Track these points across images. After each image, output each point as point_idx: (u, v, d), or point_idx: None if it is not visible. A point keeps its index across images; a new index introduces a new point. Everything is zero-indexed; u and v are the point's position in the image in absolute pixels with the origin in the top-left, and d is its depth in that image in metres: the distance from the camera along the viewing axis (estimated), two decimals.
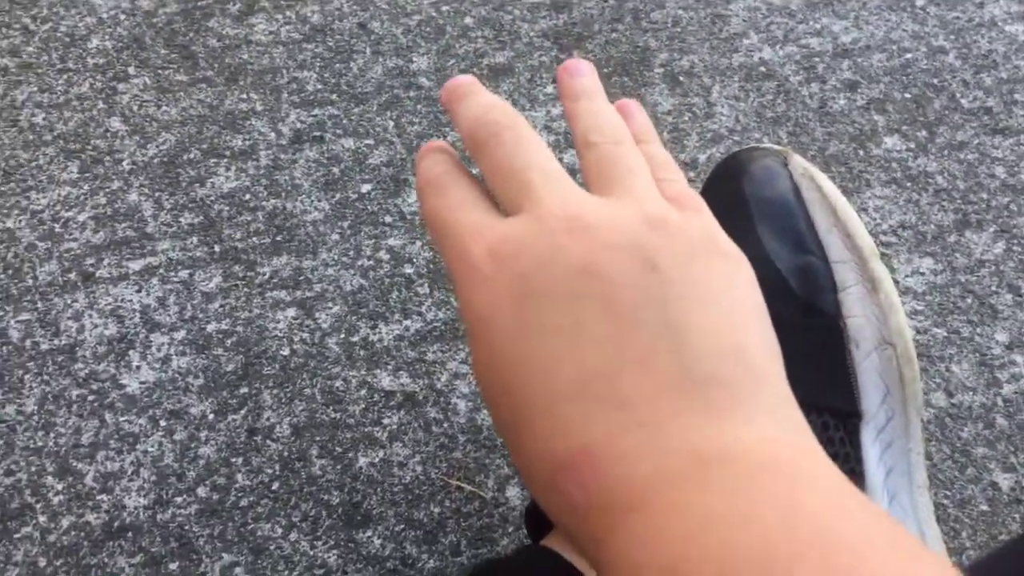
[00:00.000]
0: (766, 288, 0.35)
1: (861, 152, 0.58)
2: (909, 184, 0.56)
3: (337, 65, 0.60)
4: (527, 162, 0.25)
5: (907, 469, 0.34)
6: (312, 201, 0.53)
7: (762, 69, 0.62)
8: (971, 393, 0.48)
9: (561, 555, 0.31)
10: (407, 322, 0.49)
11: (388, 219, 0.52)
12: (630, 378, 0.21)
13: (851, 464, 0.32)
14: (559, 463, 0.21)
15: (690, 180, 0.56)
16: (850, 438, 0.33)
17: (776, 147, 0.40)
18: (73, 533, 0.41)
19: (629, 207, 0.24)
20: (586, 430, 0.21)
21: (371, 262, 0.51)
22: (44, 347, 0.46)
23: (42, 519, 0.41)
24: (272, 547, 0.41)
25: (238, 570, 0.40)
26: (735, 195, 0.38)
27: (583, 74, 0.29)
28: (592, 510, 0.20)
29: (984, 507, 0.44)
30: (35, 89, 0.57)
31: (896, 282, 0.52)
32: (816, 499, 0.19)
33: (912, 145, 0.58)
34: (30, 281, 0.48)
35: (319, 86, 0.58)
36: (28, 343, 0.46)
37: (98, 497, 0.42)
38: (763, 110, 0.60)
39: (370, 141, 0.56)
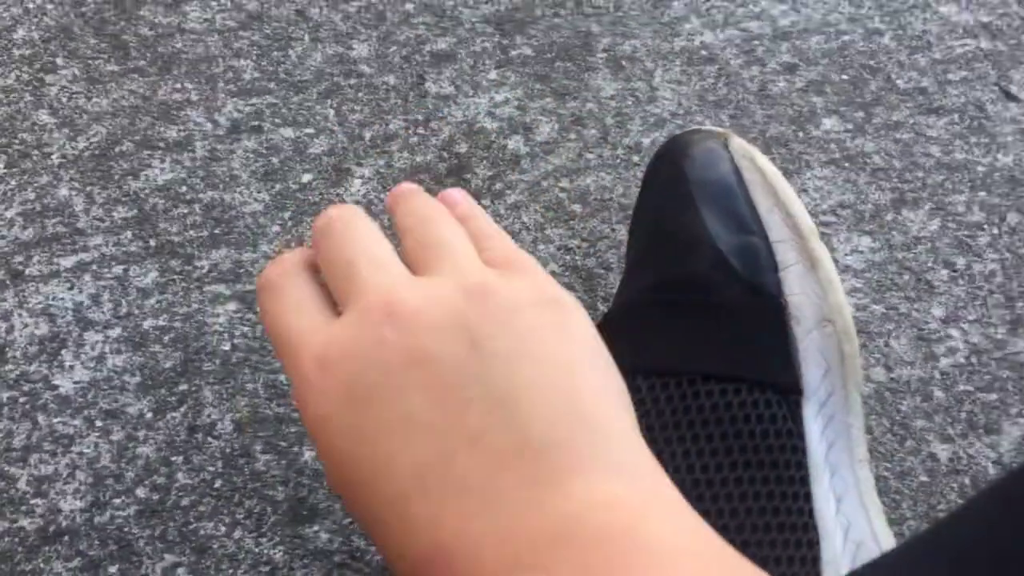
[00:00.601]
0: (710, 269, 0.36)
1: (800, 134, 0.59)
2: (847, 164, 0.57)
3: (275, 53, 0.58)
4: (353, 251, 0.26)
5: (848, 444, 0.34)
6: (251, 192, 0.52)
7: (703, 53, 0.62)
8: (909, 367, 0.49)
9: None
10: None
11: None
12: (466, 461, 0.21)
13: (793, 440, 0.33)
14: (417, 561, 0.21)
15: (634, 164, 0.56)
16: (792, 414, 0.33)
17: (717, 129, 0.40)
18: (7, 539, 0.39)
19: (447, 283, 0.24)
20: (435, 525, 0.21)
21: None
22: None
23: None
24: (215, 546, 0.40)
25: (180, 570, 0.39)
26: (677, 178, 0.38)
27: (403, 191, 0.30)
28: None
29: (923, 478, 0.45)
30: None
31: (836, 261, 0.53)
32: (651, 571, 0.19)
33: (850, 126, 0.59)
34: None
35: (256, 75, 0.57)
36: None
37: (32, 501, 0.40)
38: (705, 93, 0.60)
39: (310, 130, 0.55)
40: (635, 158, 0.56)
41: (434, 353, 0.23)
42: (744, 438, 0.32)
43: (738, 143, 0.38)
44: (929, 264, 0.53)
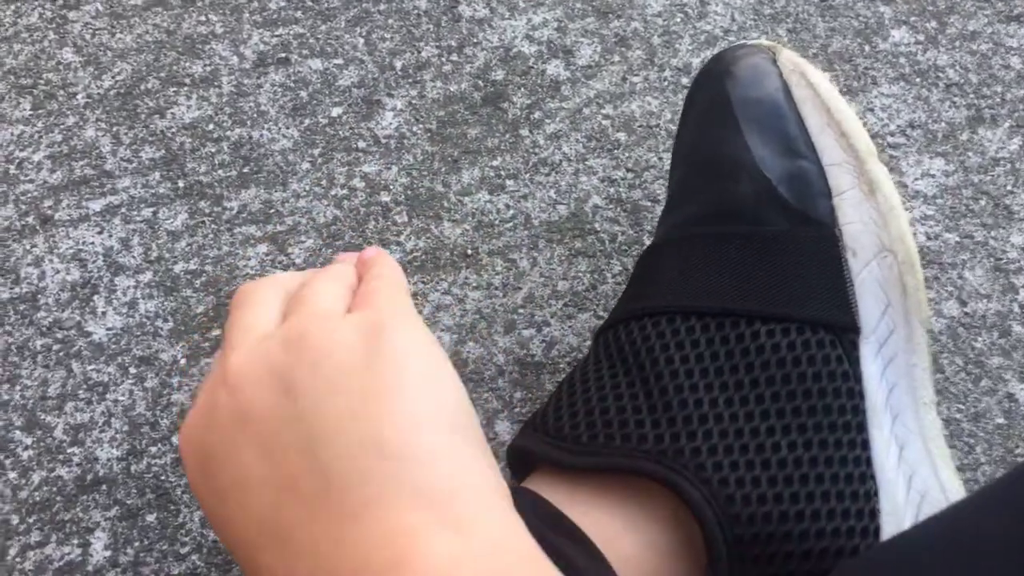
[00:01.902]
0: (756, 198, 0.32)
1: (867, 47, 0.54)
2: (918, 80, 0.52)
3: None
4: (230, 324, 0.27)
5: (911, 385, 0.31)
6: (280, 128, 0.50)
7: None
8: (985, 300, 0.45)
9: (541, 496, 0.29)
10: None
11: (361, 144, 0.49)
12: (288, 511, 0.22)
13: (849, 383, 0.30)
14: None
15: (683, 87, 0.52)
16: (847, 355, 0.30)
17: (764, 42, 0.36)
18: (45, 488, 0.39)
19: (273, 336, 0.25)
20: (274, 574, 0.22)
21: (345, 191, 0.48)
22: (4, 296, 0.44)
23: (12, 475, 0.39)
24: None
25: None
26: (719, 98, 0.35)
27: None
28: None
29: (1000, 420, 0.42)
30: None
31: (905, 186, 0.49)
32: None
33: (921, 37, 0.54)
34: None
35: (282, 3, 0.55)
36: None
37: (69, 450, 0.40)
38: (760, 6, 0.55)
39: (339, 61, 0.52)
40: (684, 80, 0.52)
41: (255, 406, 0.23)
42: (793, 383, 0.29)
43: (788, 56, 0.34)
44: (1008, 187, 0.49)
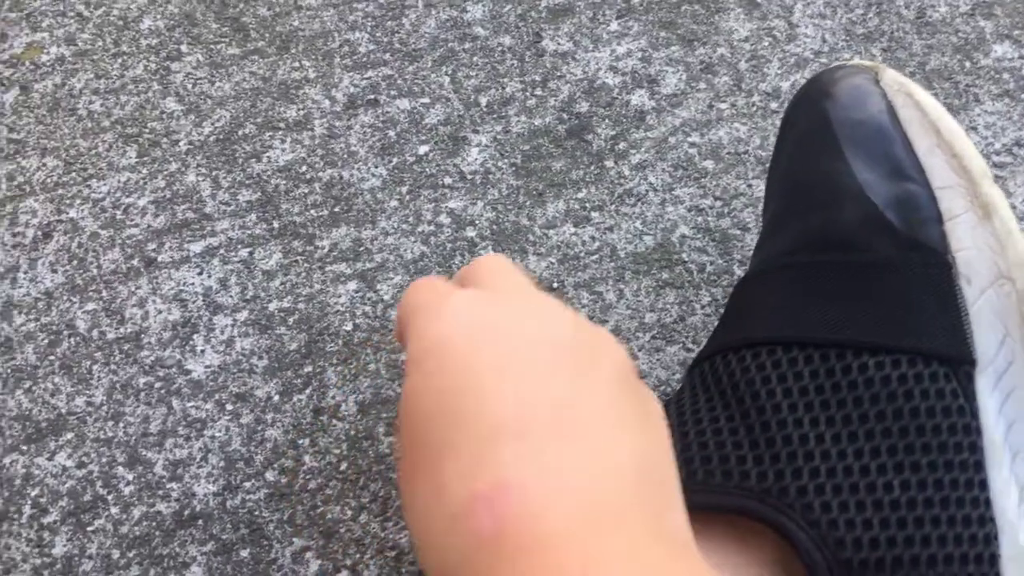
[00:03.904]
0: (861, 224, 0.31)
1: (967, 64, 0.52)
2: None
3: (389, 23, 0.57)
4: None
5: None
6: (369, 168, 0.51)
7: None
8: None
9: None
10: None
11: (447, 180, 0.50)
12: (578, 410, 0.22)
13: (965, 419, 0.28)
14: (476, 494, 0.21)
15: (772, 112, 0.51)
16: (963, 388, 0.29)
17: (865, 63, 0.35)
18: (145, 523, 0.40)
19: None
20: (507, 466, 0.21)
21: (432, 227, 0.48)
22: (110, 336, 0.46)
23: (114, 510, 0.40)
24: (343, 529, 0.39)
25: (309, 555, 0.39)
26: (818, 121, 0.34)
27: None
28: (493, 540, 0.20)
29: None
30: (91, 76, 0.56)
31: (1013, 207, 0.46)
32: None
33: None
34: (94, 270, 0.48)
35: (371, 47, 0.56)
36: (95, 333, 0.46)
37: (168, 486, 0.41)
38: (852, 26, 0.54)
39: (426, 100, 0.53)
40: (773, 105, 0.51)
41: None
42: (905, 418, 0.28)
43: (891, 76, 0.32)
44: None
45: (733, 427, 0.29)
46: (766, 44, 0.54)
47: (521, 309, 0.26)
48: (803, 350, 0.29)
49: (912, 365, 0.28)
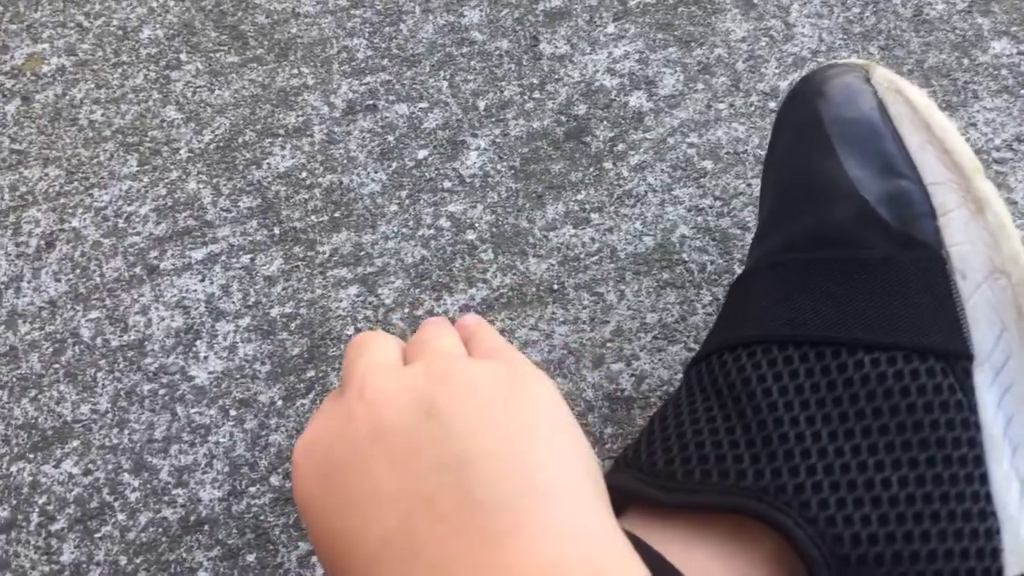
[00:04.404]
0: (854, 221, 0.31)
1: (965, 61, 0.52)
2: (1023, 91, 0.50)
3: (387, 28, 0.57)
4: (359, 354, 0.28)
5: None
6: (368, 173, 0.51)
7: None
8: None
9: (635, 535, 0.28)
10: (472, 291, 0.46)
11: (447, 184, 0.50)
12: (422, 524, 0.22)
13: (963, 414, 0.28)
14: None
15: (770, 112, 0.51)
16: (961, 383, 0.29)
17: (857, 61, 0.35)
18: (151, 529, 0.40)
19: (416, 368, 0.26)
20: None
21: (432, 231, 0.48)
22: (114, 344, 0.46)
23: (121, 517, 0.41)
24: None
25: (314, 559, 0.39)
26: (811, 120, 0.34)
27: (426, 323, 0.32)
28: None
29: None
30: (92, 86, 0.57)
31: (1014, 202, 0.46)
32: None
33: (1023, 48, 0.52)
34: (97, 279, 0.48)
35: (369, 52, 0.56)
36: (99, 341, 0.46)
37: (174, 492, 0.41)
38: (850, 25, 0.54)
39: (424, 104, 0.53)
40: (771, 104, 0.51)
41: (393, 424, 0.24)
42: (903, 414, 0.28)
43: (882, 73, 0.33)
44: None
45: (730, 426, 0.29)
46: (763, 44, 0.54)
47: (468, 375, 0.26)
48: (799, 348, 0.30)
49: (908, 361, 0.28)
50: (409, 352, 0.29)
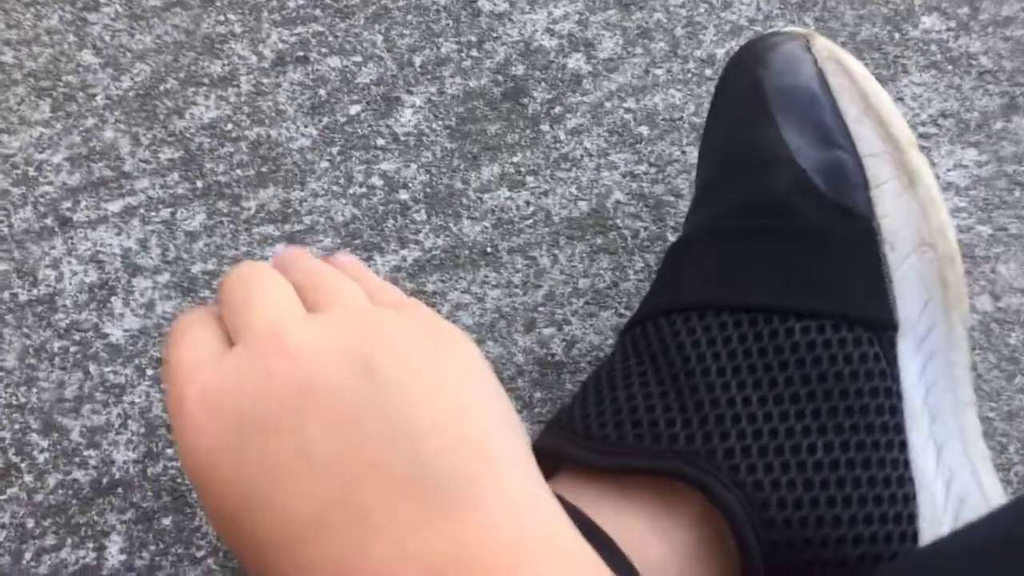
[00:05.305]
0: (790, 190, 0.31)
1: (896, 35, 0.52)
2: (950, 67, 0.51)
3: None
4: (251, 289, 0.25)
5: (951, 385, 0.30)
6: (298, 127, 0.49)
7: None
8: (1020, 295, 0.44)
9: (565, 498, 0.28)
10: (404, 252, 0.45)
11: (380, 142, 0.49)
12: (369, 491, 0.21)
13: (887, 383, 0.29)
14: None
15: (707, 79, 0.51)
16: (885, 353, 0.29)
17: (798, 30, 0.35)
18: (61, 491, 0.39)
19: (339, 315, 0.24)
20: (333, 562, 0.20)
21: (363, 189, 0.47)
22: (23, 298, 0.44)
23: (28, 478, 0.39)
24: None
25: None
26: (751, 87, 0.34)
27: (290, 254, 0.30)
28: None
29: None
30: (2, 26, 0.53)
31: (937, 177, 0.47)
32: None
33: (952, 24, 0.53)
34: (5, 230, 0.46)
35: (301, 2, 0.54)
36: (6, 295, 0.44)
37: (85, 453, 0.40)
38: None
39: (358, 58, 0.52)
40: (708, 72, 0.51)
41: (327, 383, 0.22)
42: (830, 382, 0.28)
43: (822, 44, 0.33)
44: None
45: (663, 391, 0.29)
46: (702, 10, 0.54)
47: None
48: (732, 315, 0.30)
49: (836, 330, 0.29)
50: (309, 297, 0.26)
